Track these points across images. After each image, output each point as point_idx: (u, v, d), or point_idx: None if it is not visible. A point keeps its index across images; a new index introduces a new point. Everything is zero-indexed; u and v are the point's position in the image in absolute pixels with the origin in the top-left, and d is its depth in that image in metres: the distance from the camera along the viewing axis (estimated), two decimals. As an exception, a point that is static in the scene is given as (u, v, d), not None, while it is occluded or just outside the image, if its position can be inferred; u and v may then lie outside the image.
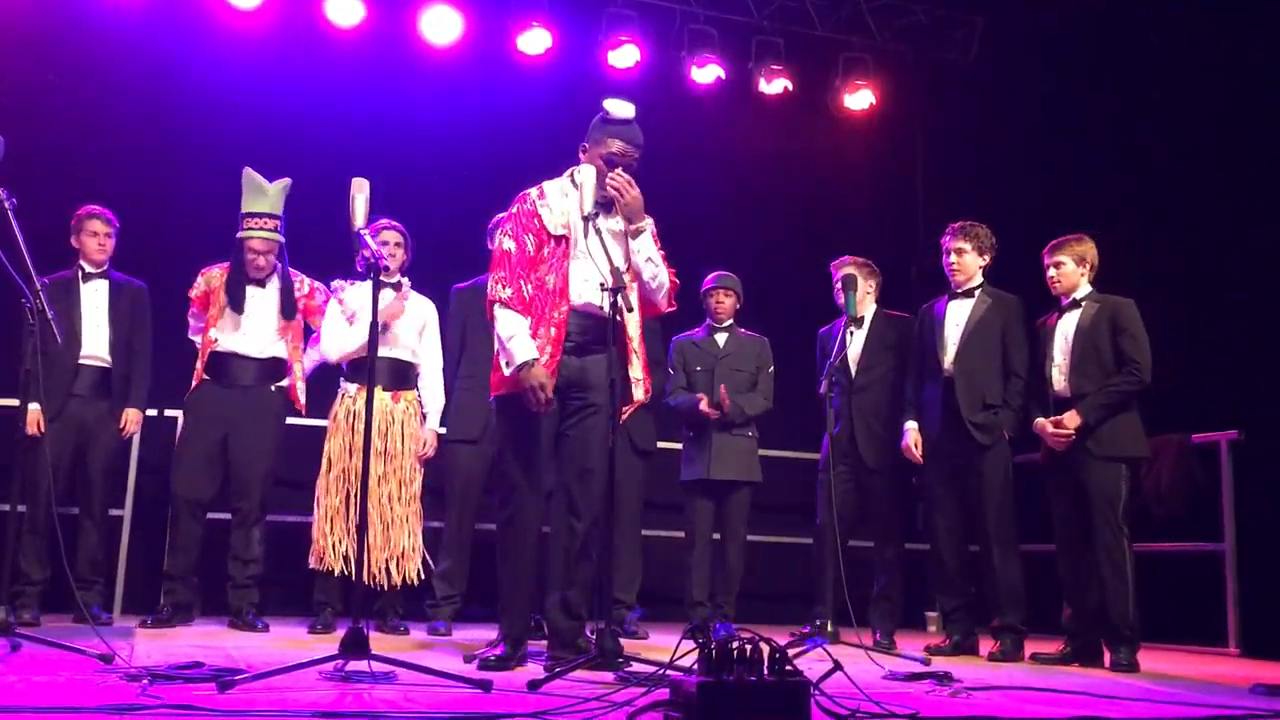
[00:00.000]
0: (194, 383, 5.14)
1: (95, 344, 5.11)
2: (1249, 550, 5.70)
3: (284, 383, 5.21)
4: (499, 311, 3.73)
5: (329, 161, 5.91)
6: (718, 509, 5.67)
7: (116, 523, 5.69)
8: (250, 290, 5.15)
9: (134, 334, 5.22)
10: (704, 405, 5.54)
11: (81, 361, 5.07)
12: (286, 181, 5.19)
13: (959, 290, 5.19)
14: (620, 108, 3.87)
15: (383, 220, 5.17)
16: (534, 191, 3.87)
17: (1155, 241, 6.18)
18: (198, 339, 5.20)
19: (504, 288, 3.74)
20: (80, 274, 5.16)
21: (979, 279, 5.18)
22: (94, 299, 5.16)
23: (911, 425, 5.17)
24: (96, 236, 5.16)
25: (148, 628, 4.85)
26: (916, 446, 5.12)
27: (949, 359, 5.08)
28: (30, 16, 6.46)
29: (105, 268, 5.21)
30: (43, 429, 4.86)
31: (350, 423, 5.08)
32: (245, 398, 5.12)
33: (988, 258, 5.19)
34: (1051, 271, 4.92)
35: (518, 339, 3.67)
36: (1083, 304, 4.85)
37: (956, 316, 5.15)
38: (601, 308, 3.70)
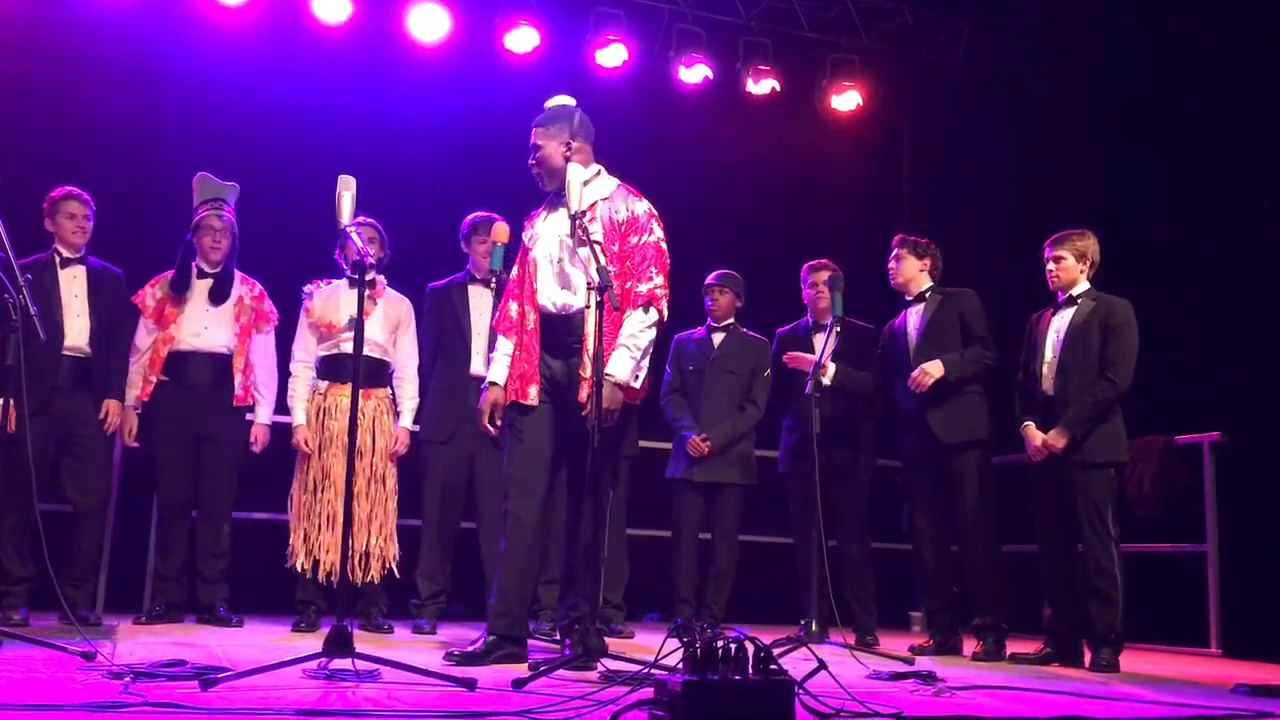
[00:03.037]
0: (148, 386, 5.00)
1: (76, 333, 4.90)
2: (1231, 551, 5.73)
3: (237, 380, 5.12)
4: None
5: (315, 158, 5.91)
6: (708, 509, 5.62)
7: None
8: (202, 285, 5.10)
9: (114, 324, 5.03)
10: (691, 446, 5.51)
11: (64, 353, 4.87)
12: (235, 186, 5.16)
13: (909, 299, 5.27)
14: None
15: (358, 216, 5.13)
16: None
17: (1139, 244, 6.20)
18: (144, 343, 5.07)
19: (497, 313, 4.11)
20: (57, 259, 4.93)
21: (926, 283, 5.24)
22: (73, 286, 4.94)
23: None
24: (74, 219, 4.93)
25: (141, 624, 4.84)
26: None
27: (912, 363, 5.10)
28: (14, 11, 6.42)
29: (82, 253, 5.00)
30: (12, 427, 4.76)
31: (320, 420, 5.06)
32: (206, 396, 5.06)
33: (927, 261, 5.25)
34: (1051, 265, 4.85)
35: (494, 362, 4.06)
36: (1079, 301, 4.79)
37: (914, 322, 5.23)
38: (586, 307, 3.75)
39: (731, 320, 5.70)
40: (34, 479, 4.41)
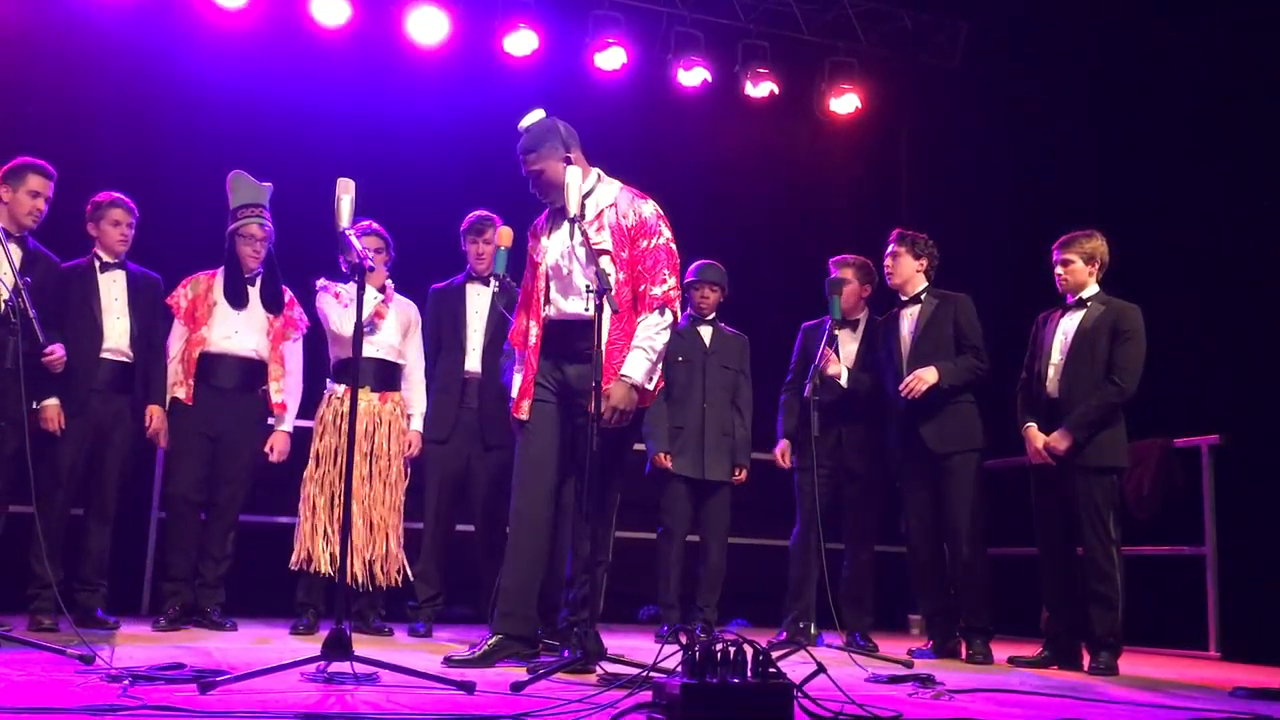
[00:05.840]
0: (183, 387, 5.00)
1: (117, 337, 4.88)
2: (1229, 554, 5.73)
3: (266, 386, 5.13)
4: None
5: (314, 161, 5.90)
6: (697, 510, 5.64)
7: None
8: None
9: (153, 328, 5.01)
10: (657, 462, 5.54)
11: (104, 355, 4.84)
12: (269, 185, 5.18)
13: (905, 299, 5.22)
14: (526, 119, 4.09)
15: (363, 223, 5.11)
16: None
17: (1138, 246, 6.20)
18: (176, 345, 5.07)
19: (512, 322, 4.12)
20: (97, 263, 4.92)
21: (922, 284, 5.20)
22: (113, 290, 4.92)
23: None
24: (119, 226, 4.92)
25: (161, 629, 4.79)
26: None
27: (905, 366, 5.08)
28: (14, 13, 6.42)
29: (122, 258, 4.98)
30: (63, 424, 4.70)
31: (337, 424, 5.06)
32: (232, 399, 5.06)
33: (924, 260, 5.20)
34: (1059, 269, 4.81)
35: (515, 376, 4.05)
36: (1088, 304, 4.76)
37: (908, 324, 5.18)
38: (586, 310, 3.73)
39: (714, 315, 5.75)
40: (35, 485, 4.38)
